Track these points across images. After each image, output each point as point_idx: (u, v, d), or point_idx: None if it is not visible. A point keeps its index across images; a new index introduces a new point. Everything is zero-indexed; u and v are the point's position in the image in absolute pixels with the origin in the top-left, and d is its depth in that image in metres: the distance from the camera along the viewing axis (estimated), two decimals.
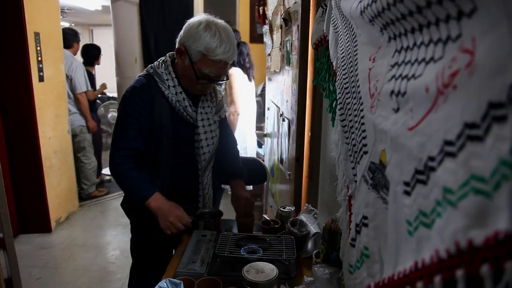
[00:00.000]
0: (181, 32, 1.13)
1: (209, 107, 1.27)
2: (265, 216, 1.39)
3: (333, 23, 0.95)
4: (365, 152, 0.65)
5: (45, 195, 2.86)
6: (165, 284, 0.88)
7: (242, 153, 2.55)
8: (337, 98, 0.88)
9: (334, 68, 0.93)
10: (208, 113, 1.27)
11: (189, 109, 1.19)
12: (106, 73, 5.77)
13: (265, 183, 2.27)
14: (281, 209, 1.34)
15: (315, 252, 1.02)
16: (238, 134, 2.47)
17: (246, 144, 2.59)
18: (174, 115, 1.18)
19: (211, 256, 1.10)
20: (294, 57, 1.60)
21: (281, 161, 2.04)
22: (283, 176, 1.96)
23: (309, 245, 1.17)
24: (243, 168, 1.47)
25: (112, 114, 4.86)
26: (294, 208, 1.36)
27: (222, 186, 2.72)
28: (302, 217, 1.27)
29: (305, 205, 1.32)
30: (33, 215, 2.87)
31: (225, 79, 1.17)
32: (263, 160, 2.83)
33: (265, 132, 2.88)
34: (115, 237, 2.91)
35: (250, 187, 2.72)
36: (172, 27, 3.75)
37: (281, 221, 1.31)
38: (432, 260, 0.33)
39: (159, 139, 1.17)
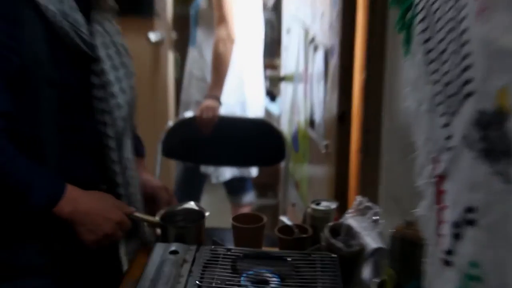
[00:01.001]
0: None
1: (111, 23, 1.31)
2: (284, 220, 1.41)
3: None
4: (469, 94, 0.66)
5: None
6: None
7: (237, 110, 2.57)
8: (415, 2, 0.87)
9: None
10: (113, 35, 1.29)
11: (83, 29, 1.20)
12: None
13: (282, 163, 2.29)
14: (313, 207, 1.38)
15: (377, 282, 1.03)
16: (232, 78, 2.46)
17: (245, 95, 2.61)
18: (55, 45, 1.17)
19: None
20: None
21: (312, 123, 2.06)
22: (315, 150, 1.98)
23: (366, 270, 1.18)
24: (138, 138, 1.55)
25: None
26: (336, 204, 1.38)
27: (203, 170, 2.81)
28: (352, 221, 1.28)
29: (356, 199, 1.33)
30: None
31: None
32: (279, 124, 2.86)
33: (281, 74, 2.86)
34: None
35: (253, 172, 2.75)
36: None
37: (313, 227, 1.34)
38: None
39: (34, 89, 1.16)
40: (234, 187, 2.78)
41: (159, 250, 1.26)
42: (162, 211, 1.39)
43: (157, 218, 1.37)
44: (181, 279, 1.15)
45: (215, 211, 1.69)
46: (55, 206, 1.16)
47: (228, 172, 2.69)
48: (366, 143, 1.56)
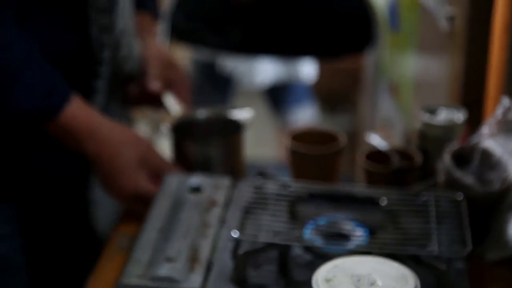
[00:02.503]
0: None
1: None
2: (375, 140, 1.45)
3: None
4: None
5: None
6: None
7: None
8: None
9: None
10: None
11: None
12: None
13: (370, 53, 2.29)
14: (425, 119, 1.43)
15: None
16: None
17: None
18: None
19: (219, 245, 1.19)
20: None
21: None
22: (430, 28, 1.99)
23: None
24: None
25: None
26: (464, 115, 1.41)
27: (229, 68, 2.77)
28: (491, 142, 1.29)
29: (501, 104, 1.32)
30: None
31: None
32: None
33: None
34: None
35: (311, 75, 2.78)
36: None
37: (423, 153, 1.39)
38: None
39: None
40: (281, 96, 2.82)
41: (171, 185, 1.31)
42: (172, 119, 1.46)
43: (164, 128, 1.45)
44: (208, 231, 1.20)
45: (254, 136, 1.71)
46: (59, 111, 1.34)
47: (268, 74, 2.73)
48: None
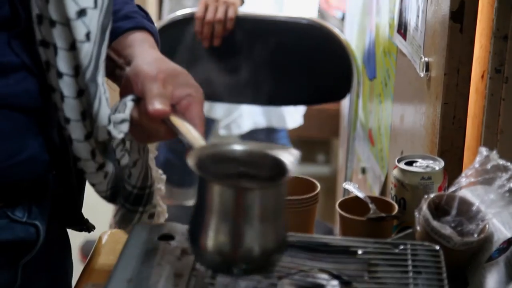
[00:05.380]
0: None
1: None
2: (350, 188, 1.44)
3: None
4: None
5: None
6: None
7: (269, 5, 2.62)
8: None
9: None
10: None
11: None
12: None
13: (346, 99, 2.29)
14: (402, 167, 1.44)
15: None
16: None
17: None
18: None
19: None
20: None
21: (402, 28, 2.05)
22: (407, 75, 1.98)
23: (491, 273, 1.19)
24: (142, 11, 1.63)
25: None
26: (442, 164, 1.41)
27: (206, 113, 2.77)
28: (469, 191, 1.29)
29: (479, 154, 1.30)
30: None
31: None
32: (341, 30, 2.79)
33: None
34: None
35: (292, 119, 2.77)
36: None
37: (400, 202, 1.41)
38: None
39: None
40: (261, 141, 2.79)
41: (140, 233, 1.29)
42: (194, 151, 1.12)
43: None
44: (179, 281, 1.17)
45: None
46: None
47: (248, 119, 2.71)
48: (501, 58, 1.52)
